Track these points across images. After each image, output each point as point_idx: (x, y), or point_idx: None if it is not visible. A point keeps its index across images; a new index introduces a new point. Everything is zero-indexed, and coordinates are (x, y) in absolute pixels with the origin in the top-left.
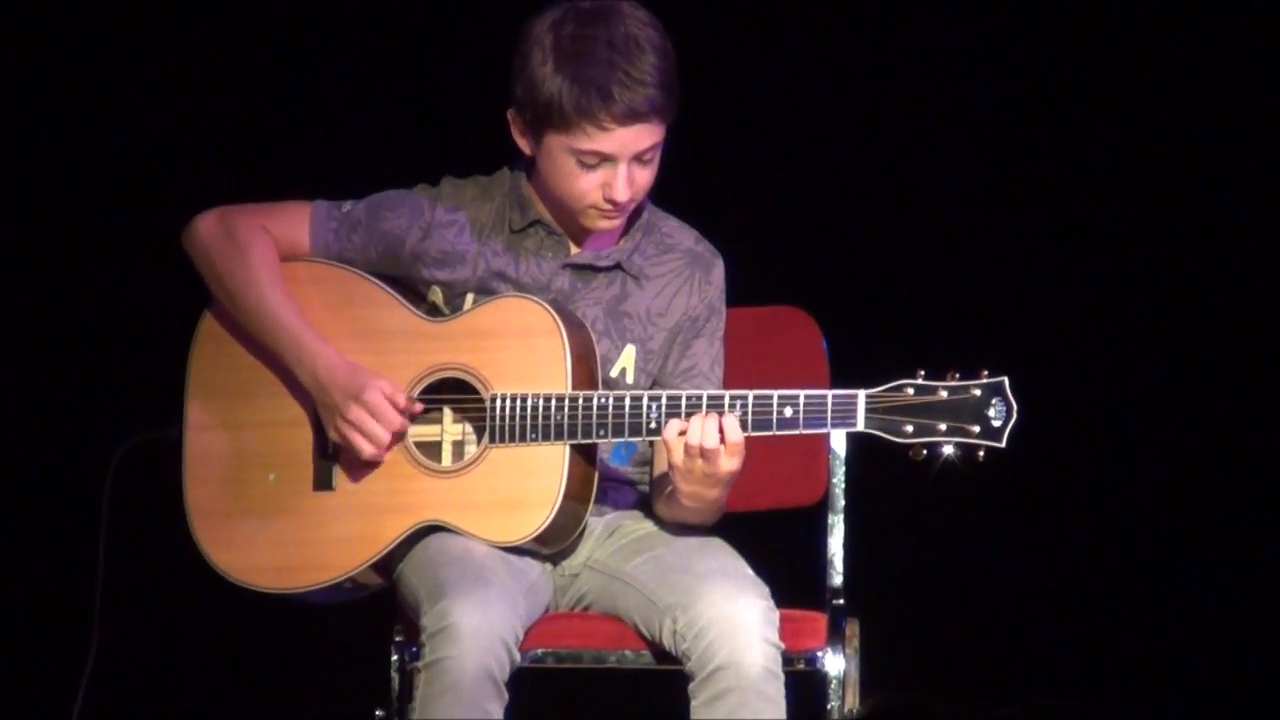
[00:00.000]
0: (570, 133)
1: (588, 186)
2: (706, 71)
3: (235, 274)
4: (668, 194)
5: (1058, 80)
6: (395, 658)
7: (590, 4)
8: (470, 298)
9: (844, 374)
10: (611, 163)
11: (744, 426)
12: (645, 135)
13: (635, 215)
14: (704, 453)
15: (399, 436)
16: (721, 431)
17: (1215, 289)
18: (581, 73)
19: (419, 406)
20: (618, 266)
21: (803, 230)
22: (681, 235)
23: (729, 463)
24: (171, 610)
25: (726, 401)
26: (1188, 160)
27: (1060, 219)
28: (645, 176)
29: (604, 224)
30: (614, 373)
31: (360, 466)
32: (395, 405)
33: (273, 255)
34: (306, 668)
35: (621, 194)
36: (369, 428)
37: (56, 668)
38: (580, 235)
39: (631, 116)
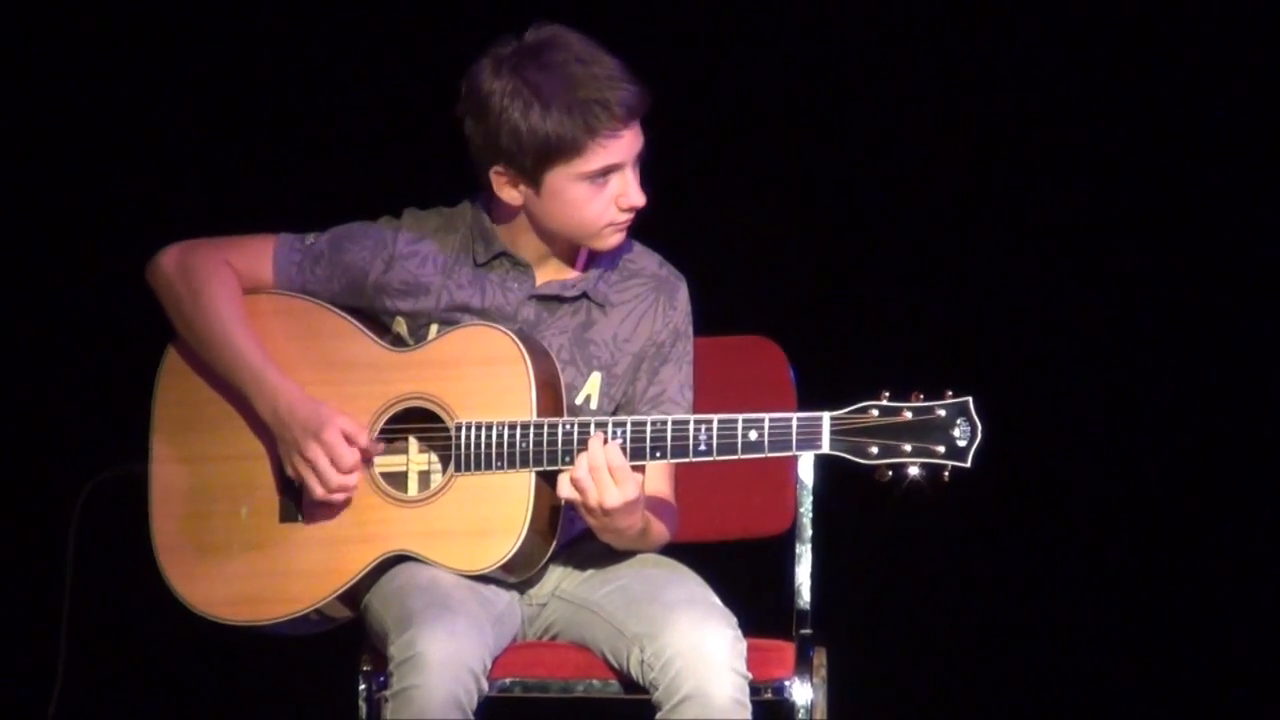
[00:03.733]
0: (582, 156)
1: (602, 205)
2: (670, 99)
3: (198, 307)
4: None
5: (1019, 106)
6: (363, 688)
7: (530, 39)
8: (435, 328)
9: (812, 404)
10: (619, 170)
11: (710, 451)
12: (638, 135)
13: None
14: (593, 470)
15: (360, 472)
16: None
17: (1185, 309)
18: (571, 98)
19: (380, 447)
20: (584, 295)
21: (767, 259)
22: (645, 260)
23: (614, 493)
24: (138, 645)
25: (691, 426)
26: (1153, 180)
27: (1024, 241)
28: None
29: (618, 238)
30: (579, 400)
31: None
32: (354, 443)
33: (235, 289)
34: (274, 699)
35: (639, 196)
36: (322, 467)
37: (22, 702)
38: (545, 266)
39: (630, 114)
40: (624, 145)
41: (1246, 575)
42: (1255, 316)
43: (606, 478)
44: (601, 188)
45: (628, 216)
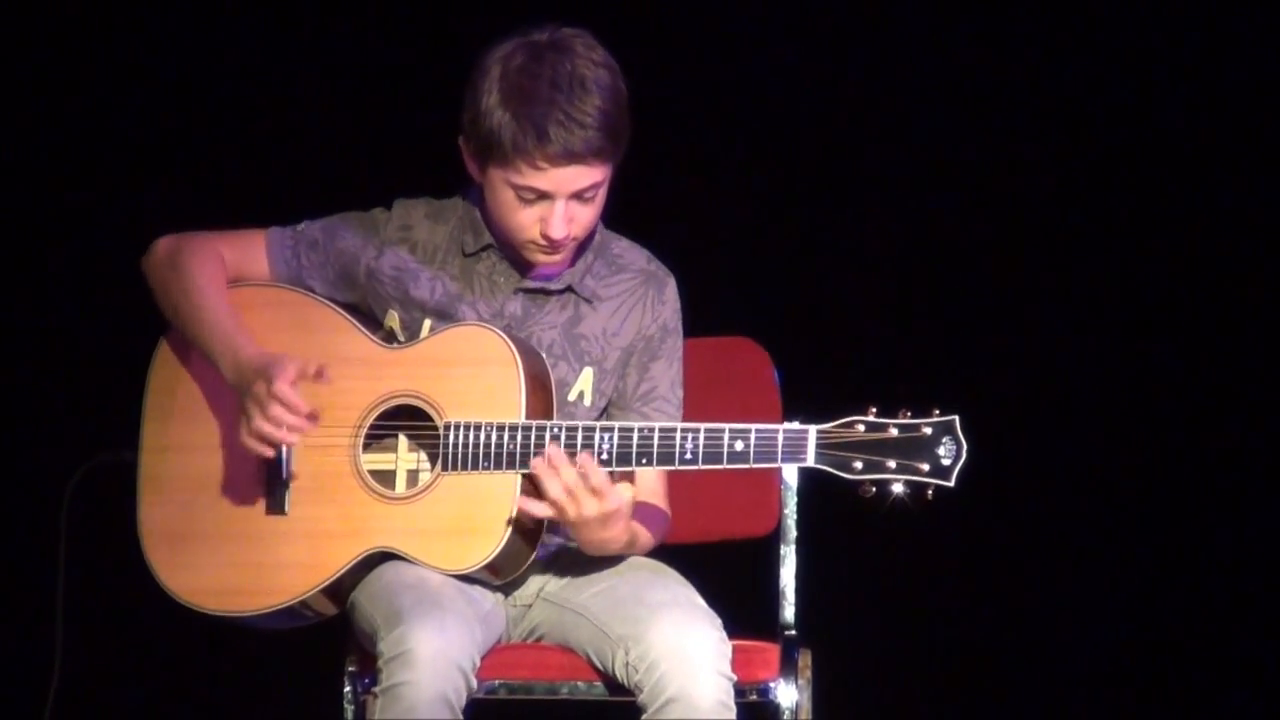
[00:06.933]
0: (507, 168)
1: (526, 221)
2: (657, 99)
3: (180, 285)
4: (619, 222)
5: (1009, 111)
6: (349, 688)
7: (547, 37)
8: (428, 324)
9: (796, 405)
10: (549, 200)
11: (695, 460)
12: (583, 176)
13: (587, 238)
14: (568, 491)
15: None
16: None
17: (1177, 331)
18: (521, 110)
19: (326, 377)
20: (569, 289)
21: (753, 260)
22: (633, 255)
23: (591, 505)
24: (127, 640)
25: (678, 435)
26: (1140, 196)
27: (1018, 259)
28: (587, 214)
29: (543, 259)
30: (571, 396)
31: (313, 491)
32: (304, 376)
33: (220, 271)
34: (260, 699)
35: (557, 231)
36: (264, 406)
37: (19, 688)
38: (531, 260)
39: (567, 158)
40: (552, 179)
41: (1227, 591)
42: (1245, 341)
43: (585, 495)
44: (529, 205)
45: (549, 243)
